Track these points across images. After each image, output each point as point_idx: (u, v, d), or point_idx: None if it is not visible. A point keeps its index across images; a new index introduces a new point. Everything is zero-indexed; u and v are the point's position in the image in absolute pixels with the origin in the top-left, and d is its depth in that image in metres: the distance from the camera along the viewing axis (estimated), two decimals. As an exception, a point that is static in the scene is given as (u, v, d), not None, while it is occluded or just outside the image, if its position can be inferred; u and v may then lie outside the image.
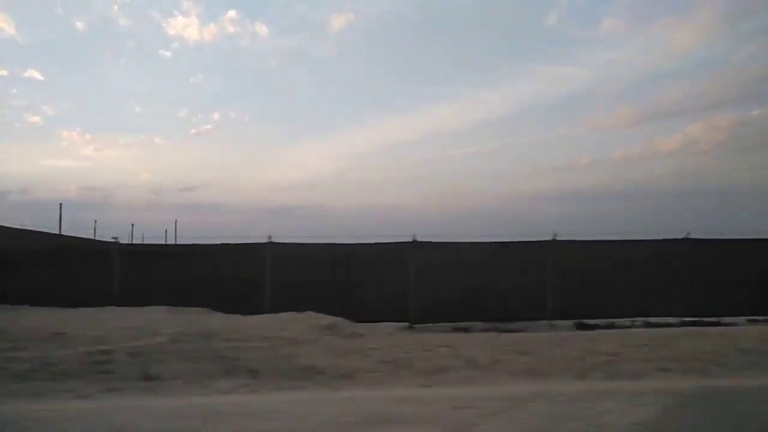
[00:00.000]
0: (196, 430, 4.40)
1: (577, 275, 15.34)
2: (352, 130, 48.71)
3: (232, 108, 50.53)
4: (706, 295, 15.23)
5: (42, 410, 5.16)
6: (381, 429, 4.52)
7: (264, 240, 14.86)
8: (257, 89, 49.01)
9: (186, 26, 48.17)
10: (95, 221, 23.62)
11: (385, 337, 10.63)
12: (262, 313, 13.62)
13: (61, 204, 20.96)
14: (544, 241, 15.31)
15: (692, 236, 15.45)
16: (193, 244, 15.44)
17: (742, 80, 41.56)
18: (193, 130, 48.84)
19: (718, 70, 43.32)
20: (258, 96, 49.54)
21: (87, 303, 13.34)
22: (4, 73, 42.74)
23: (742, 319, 14.77)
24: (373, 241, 15.37)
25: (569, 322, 14.34)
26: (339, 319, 12.86)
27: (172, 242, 24.87)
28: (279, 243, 15.13)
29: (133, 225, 24.42)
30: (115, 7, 45.26)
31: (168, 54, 47.28)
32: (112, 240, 14.17)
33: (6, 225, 14.06)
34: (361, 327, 12.84)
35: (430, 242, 15.39)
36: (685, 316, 14.80)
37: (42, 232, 13.79)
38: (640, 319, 14.74)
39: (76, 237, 14.30)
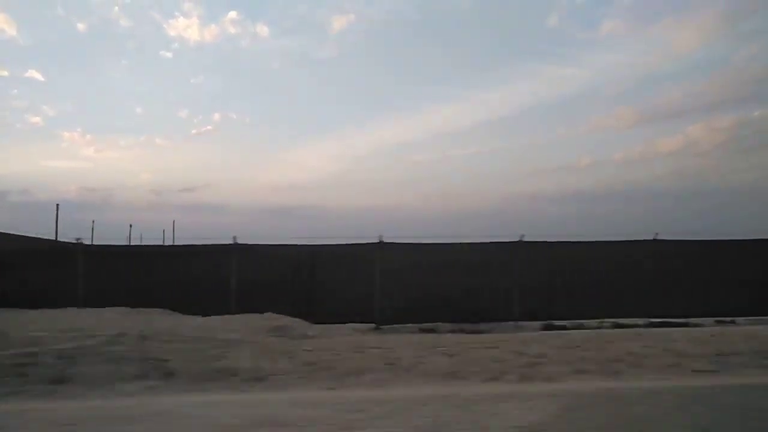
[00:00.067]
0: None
1: (545, 276, 15.31)
2: (353, 130, 48.92)
3: (233, 109, 50.81)
4: (674, 296, 15.19)
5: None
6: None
7: (229, 241, 14.91)
8: (258, 90, 49.28)
9: (187, 27, 48.48)
10: (93, 222, 23.86)
11: (335, 338, 10.60)
12: (228, 314, 13.66)
13: (57, 205, 21.20)
14: (512, 242, 15.29)
15: (660, 237, 15.40)
16: (159, 245, 15.55)
17: (743, 81, 41.47)
18: (193, 131, 49.13)
19: (719, 71, 43.28)
20: (258, 97, 49.81)
21: (51, 304, 13.42)
22: (5, 73, 43.18)
23: (710, 320, 14.76)
24: (339, 242, 15.41)
25: (537, 323, 14.32)
26: (296, 320, 12.87)
27: (170, 243, 24.92)
28: (245, 244, 15.17)
29: (131, 225, 24.62)
30: (116, 8, 45.62)
31: (169, 55, 47.61)
32: (76, 241, 14.24)
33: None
34: (319, 328, 12.84)
35: (397, 243, 15.39)
36: (653, 317, 14.78)
37: (3, 233, 13.88)
38: (609, 320, 14.72)
39: (39, 238, 14.39)
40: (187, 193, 45.07)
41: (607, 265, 15.59)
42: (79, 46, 46.37)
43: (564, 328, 13.88)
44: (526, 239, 15.21)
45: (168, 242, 25.44)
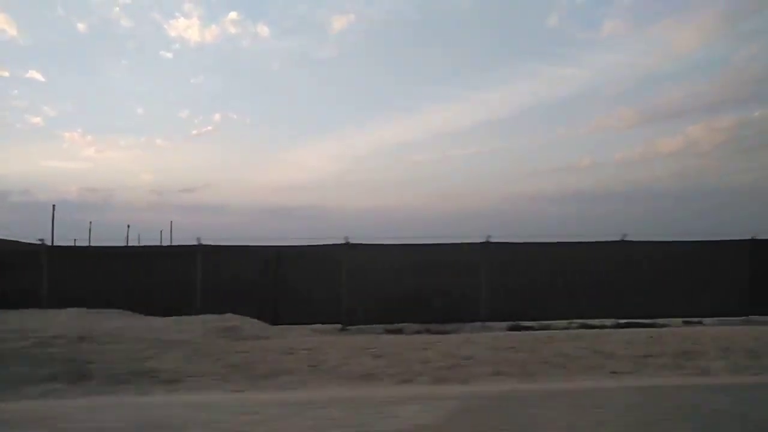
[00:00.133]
0: None
1: (513, 277, 15.23)
2: (353, 130, 48.86)
3: (233, 109, 50.84)
4: (643, 297, 15.07)
5: None
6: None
7: (195, 242, 14.92)
8: (258, 90, 49.29)
9: (187, 27, 48.52)
10: (90, 222, 23.87)
11: (286, 339, 10.55)
12: (193, 315, 13.65)
13: (54, 206, 21.14)
14: (479, 242, 15.21)
15: (628, 238, 15.28)
16: (125, 246, 15.58)
17: (743, 81, 41.15)
18: (194, 131, 49.18)
19: (719, 71, 42.96)
20: (259, 97, 49.81)
21: (16, 305, 13.44)
22: (6, 74, 43.27)
23: (678, 320, 14.65)
24: (305, 243, 15.39)
25: (504, 324, 14.25)
26: (255, 321, 12.84)
27: (168, 243, 24.84)
28: (210, 245, 15.17)
29: (128, 226, 24.56)
30: (117, 8, 45.65)
31: (169, 55, 47.65)
32: (39, 242, 14.26)
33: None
34: (276, 329, 12.83)
35: (364, 244, 15.35)
36: (623, 318, 14.68)
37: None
38: (577, 321, 14.63)
39: (2, 240, 14.41)
40: (187, 194, 45.17)
41: (576, 265, 15.50)
42: (79, 46, 46.47)
43: (531, 328, 13.81)
44: (493, 240, 15.14)
45: (166, 243, 25.37)
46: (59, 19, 44.71)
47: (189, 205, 43.72)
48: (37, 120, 45.95)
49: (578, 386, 6.09)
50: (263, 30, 48.95)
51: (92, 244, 19.42)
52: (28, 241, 14.41)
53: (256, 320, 12.93)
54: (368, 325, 14.34)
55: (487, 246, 15.18)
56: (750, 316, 14.75)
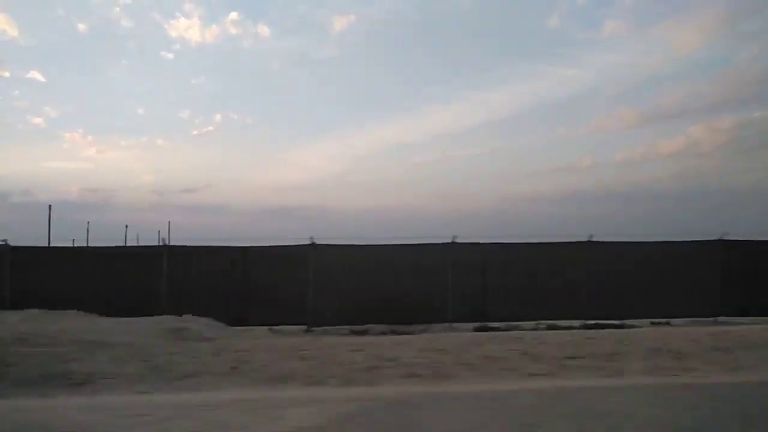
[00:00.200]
0: None
1: (479, 278, 15.14)
2: (353, 131, 48.96)
3: (234, 109, 50.98)
4: (612, 298, 14.94)
5: None
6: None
7: (159, 243, 14.91)
8: (259, 90, 49.41)
9: (188, 28, 48.69)
10: (88, 223, 23.98)
11: (232, 340, 10.52)
12: (158, 316, 13.62)
13: (50, 206, 21.28)
14: (445, 243, 15.11)
15: (594, 239, 15.13)
16: (91, 247, 15.58)
17: (744, 81, 41.00)
18: (194, 132, 49.33)
19: (720, 72, 42.80)
20: (259, 97, 49.96)
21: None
22: (7, 74, 43.54)
23: (647, 321, 14.51)
24: (271, 244, 15.33)
25: (471, 325, 14.15)
26: (211, 322, 12.79)
27: (166, 244, 24.85)
28: (176, 246, 15.17)
29: (126, 226, 24.65)
30: (117, 8, 45.84)
31: (170, 56, 47.82)
32: (2, 242, 14.24)
33: None
34: (231, 331, 12.79)
35: (331, 245, 15.28)
36: (592, 319, 14.56)
37: None
38: (545, 322, 14.51)
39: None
40: (188, 194, 45.30)
41: (547, 266, 15.41)
42: (80, 46, 46.74)
43: (498, 329, 13.74)
44: (458, 240, 15.04)
45: (164, 243, 25.36)
46: (60, 20, 44.98)
47: (190, 205, 43.84)
48: (38, 120, 46.21)
49: (486, 389, 6.01)
50: (264, 30, 49.09)
51: (90, 244, 19.48)
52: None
53: (212, 321, 12.89)
54: (334, 327, 14.29)
55: (453, 246, 15.08)
56: (719, 317, 14.62)
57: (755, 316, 14.45)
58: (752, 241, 15.36)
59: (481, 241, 15.36)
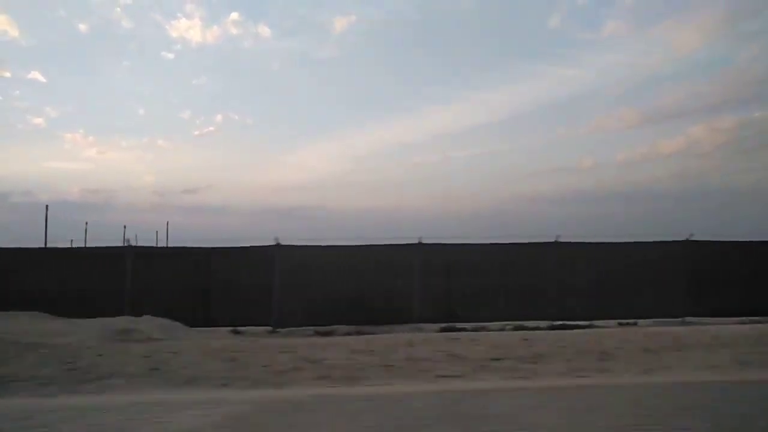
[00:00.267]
0: None
1: (444, 279, 15.04)
2: (353, 131, 48.96)
3: (235, 110, 51.09)
4: (582, 298, 14.82)
5: None
6: None
7: (124, 244, 14.90)
8: (259, 91, 49.51)
9: (189, 28, 48.89)
10: (86, 223, 24.06)
11: (182, 341, 10.45)
12: (123, 316, 13.60)
13: (47, 206, 21.38)
14: (412, 244, 15.03)
15: (561, 239, 14.99)
16: (55, 248, 15.62)
17: (744, 82, 40.76)
18: (195, 132, 49.44)
19: (720, 72, 42.50)
20: (260, 97, 50.05)
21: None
22: (7, 75, 43.85)
23: (614, 322, 14.36)
24: (236, 245, 15.29)
25: (437, 326, 14.05)
26: (167, 322, 12.73)
27: (163, 245, 24.86)
28: (140, 246, 15.17)
29: (125, 227, 24.69)
30: (118, 9, 46.08)
31: (171, 56, 48.02)
32: (-34, 245, 14.32)
33: None
34: (194, 331, 12.74)
35: (296, 245, 15.23)
36: (560, 320, 14.42)
37: None
38: (513, 323, 14.38)
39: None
40: (189, 195, 45.37)
41: (516, 267, 15.30)
42: (80, 47, 47.04)
43: (464, 330, 13.62)
44: (424, 241, 14.95)
45: (161, 244, 25.36)
46: (60, 20, 45.27)
47: (191, 206, 43.92)
48: (38, 121, 46.48)
49: (390, 391, 5.91)
50: (264, 31, 49.22)
51: (89, 245, 19.48)
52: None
53: (169, 322, 12.84)
54: (300, 328, 14.23)
55: (420, 247, 15.00)
56: (687, 318, 14.45)
57: (726, 317, 14.27)
58: (722, 241, 15.21)
59: (448, 242, 15.28)
